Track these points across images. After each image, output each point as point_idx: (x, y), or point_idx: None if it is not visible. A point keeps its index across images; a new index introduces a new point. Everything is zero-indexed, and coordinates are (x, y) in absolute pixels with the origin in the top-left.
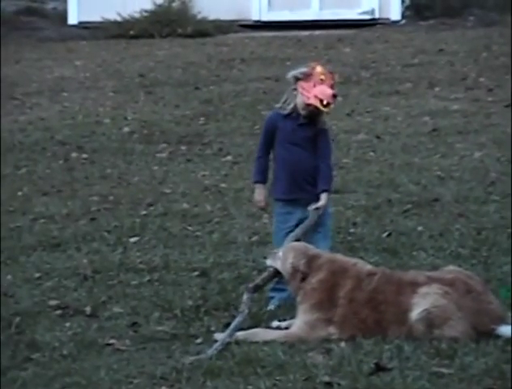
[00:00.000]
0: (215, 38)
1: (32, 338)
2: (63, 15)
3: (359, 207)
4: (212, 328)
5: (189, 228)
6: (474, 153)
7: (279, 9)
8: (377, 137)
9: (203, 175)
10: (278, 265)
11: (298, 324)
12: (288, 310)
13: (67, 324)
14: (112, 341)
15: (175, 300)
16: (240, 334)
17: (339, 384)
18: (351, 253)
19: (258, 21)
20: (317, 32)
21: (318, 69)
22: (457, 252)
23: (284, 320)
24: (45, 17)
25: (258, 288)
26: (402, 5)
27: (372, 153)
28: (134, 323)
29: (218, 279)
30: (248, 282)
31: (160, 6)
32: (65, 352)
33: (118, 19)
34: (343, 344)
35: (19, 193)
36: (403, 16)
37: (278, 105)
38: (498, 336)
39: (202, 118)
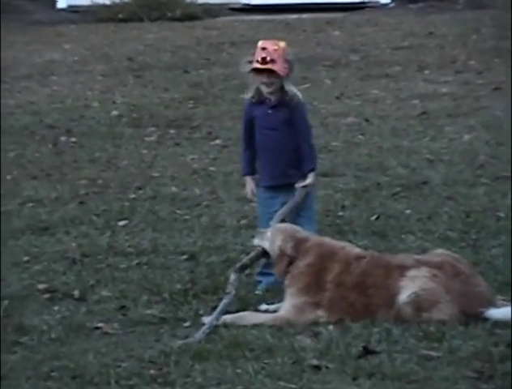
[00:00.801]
0: (204, 21)
1: (20, 321)
2: None
3: (348, 190)
4: (200, 312)
5: (178, 211)
6: (463, 136)
7: None
8: (366, 120)
9: (192, 158)
10: (266, 245)
11: (286, 307)
12: (276, 294)
13: (55, 308)
14: (100, 325)
15: (163, 283)
16: (228, 317)
17: (327, 367)
18: (339, 236)
19: (247, 4)
20: (306, 15)
21: (259, 44)
22: (445, 235)
23: (272, 303)
24: (35, 1)
25: (244, 268)
26: None
27: (361, 136)
28: (123, 307)
29: (206, 263)
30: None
31: None
32: (53, 335)
33: (107, 2)
34: (331, 328)
35: (8, 177)
36: None
37: (247, 96)
38: (486, 319)
39: (191, 102)
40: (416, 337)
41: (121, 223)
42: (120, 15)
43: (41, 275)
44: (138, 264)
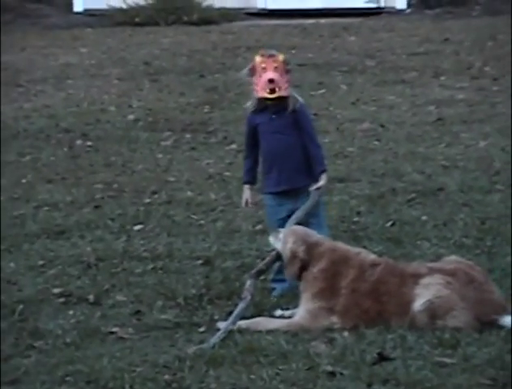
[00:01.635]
0: (220, 26)
1: (35, 325)
2: (69, 2)
3: (363, 196)
4: (215, 317)
5: (193, 216)
6: (479, 142)
7: None
8: (382, 126)
9: (208, 163)
10: (278, 246)
11: (300, 313)
12: (290, 299)
13: (70, 312)
14: (115, 329)
15: (178, 288)
16: (243, 323)
17: (341, 373)
18: (355, 242)
19: (263, 9)
20: (322, 21)
21: (257, 59)
22: (461, 242)
23: (287, 309)
24: (51, 4)
25: (261, 273)
26: None
27: (376, 142)
28: (138, 311)
29: (221, 268)
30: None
31: None
32: (68, 339)
33: (124, 6)
34: (346, 334)
35: (23, 180)
36: (409, 5)
37: (247, 106)
38: (501, 327)
39: (206, 106)
40: (431, 344)
41: (137, 227)
42: (136, 19)
43: (56, 279)
44: (153, 269)
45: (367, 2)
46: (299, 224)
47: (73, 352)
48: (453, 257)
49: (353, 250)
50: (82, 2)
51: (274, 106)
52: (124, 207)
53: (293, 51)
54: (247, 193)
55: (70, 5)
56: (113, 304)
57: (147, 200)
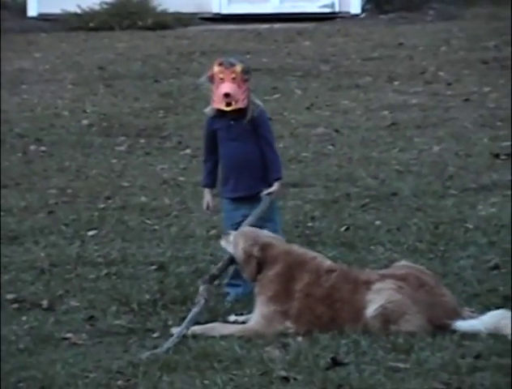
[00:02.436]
0: (175, 31)
1: None
2: (23, 7)
3: (317, 201)
4: (169, 322)
5: (148, 221)
6: (432, 147)
7: (239, 2)
8: (336, 131)
9: (162, 168)
10: (230, 249)
11: (255, 318)
12: (245, 305)
13: (24, 318)
14: (68, 335)
15: (132, 294)
16: (197, 328)
17: (295, 379)
18: (308, 247)
19: (217, 14)
20: (277, 25)
21: (216, 69)
22: (414, 246)
23: (241, 314)
24: (5, 8)
25: (214, 278)
26: None
27: (331, 147)
28: (91, 317)
29: (176, 273)
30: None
31: None
32: (21, 345)
33: (78, 11)
34: (299, 339)
35: None
36: (363, 10)
37: (207, 111)
38: (454, 331)
39: (161, 111)
40: (384, 349)
41: (91, 233)
42: (91, 24)
43: (9, 285)
44: (107, 274)
45: (321, 7)
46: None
47: (26, 359)
48: (403, 262)
49: (309, 253)
50: (36, 7)
51: (232, 113)
52: (78, 212)
53: (248, 56)
54: (208, 196)
55: (24, 9)
56: (67, 310)
57: (102, 205)
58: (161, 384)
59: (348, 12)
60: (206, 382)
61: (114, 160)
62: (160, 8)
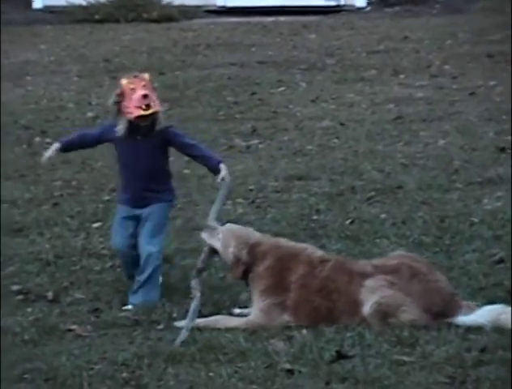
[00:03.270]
0: (180, 23)
1: None
2: None
3: (322, 194)
4: (174, 315)
5: None
6: (438, 141)
7: None
8: (342, 124)
9: None
10: (217, 245)
11: (254, 312)
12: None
13: (29, 309)
14: (73, 327)
15: None
16: (201, 321)
17: (300, 371)
18: (313, 240)
19: (223, 7)
20: (282, 18)
21: (123, 81)
22: (419, 240)
23: (246, 307)
24: (10, 1)
25: (201, 271)
26: None
27: (336, 140)
28: (96, 309)
29: (180, 266)
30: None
31: None
32: (26, 337)
33: (83, 3)
34: (304, 332)
35: None
36: (369, 3)
37: (118, 130)
38: (459, 325)
39: (166, 104)
40: (389, 342)
41: (96, 225)
42: (96, 16)
43: (15, 276)
44: (111, 266)
45: (327, 0)
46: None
47: (31, 350)
48: (398, 251)
49: (299, 245)
50: None
51: (144, 128)
52: (83, 204)
53: (253, 49)
54: (53, 153)
55: (30, 1)
56: (72, 301)
57: (107, 197)
58: (166, 376)
59: (354, 5)
60: (211, 374)
61: None
62: (165, 1)
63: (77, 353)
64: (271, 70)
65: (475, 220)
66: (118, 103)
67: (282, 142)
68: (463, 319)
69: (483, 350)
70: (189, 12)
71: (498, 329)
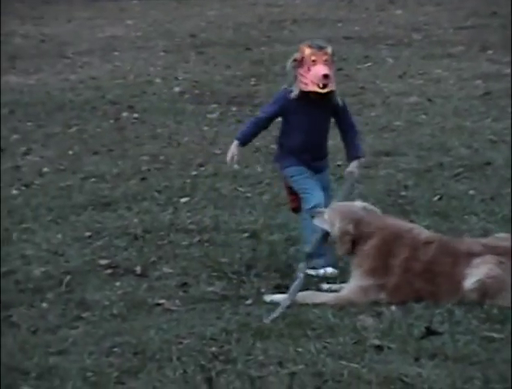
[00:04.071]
0: None
1: (83, 297)
2: None
3: (410, 170)
4: (262, 290)
5: (240, 189)
6: None
7: None
8: (429, 100)
9: None
10: (326, 226)
11: (351, 287)
12: (338, 274)
13: (117, 283)
14: (161, 301)
15: (225, 261)
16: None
17: (389, 347)
18: (401, 216)
19: None
20: None
21: (307, 51)
22: (508, 216)
23: (334, 283)
24: None
25: (311, 257)
26: None
27: (423, 116)
28: (184, 284)
29: (268, 241)
30: (297, 244)
31: None
32: (115, 311)
33: None
34: (393, 308)
35: (70, 152)
36: None
37: (286, 87)
38: None
39: (252, 79)
40: (479, 319)
41: (183, 200)
42: None
43: (103, 250)
44: (199, 241)
45: None
46: None
47: (120, 324)
48: (502, 234)
49: (405, 226)
50: None
51: (316, 100)
52: (170, 179)
53: (339, 24)
54: (235, 150)
55: None
56: (160, 276)
57: (194, 173)
58: (254, 351)
59: None
60: (299, 349)
61: (206, 128)
62: None
63: (165, 328)
64: (358, 46)
65: None
66: (294, 68)
67: (369, 117)
68: None
69: None
70: None
71: None
